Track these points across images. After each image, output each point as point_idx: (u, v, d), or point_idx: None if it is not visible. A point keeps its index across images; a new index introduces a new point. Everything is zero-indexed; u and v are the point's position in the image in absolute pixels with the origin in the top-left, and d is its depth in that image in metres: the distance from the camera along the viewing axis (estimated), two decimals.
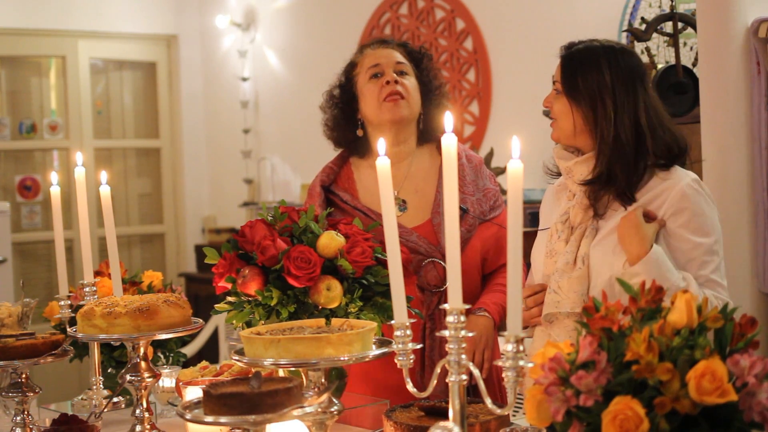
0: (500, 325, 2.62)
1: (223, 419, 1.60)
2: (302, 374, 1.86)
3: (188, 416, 1.67)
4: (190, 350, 5.78)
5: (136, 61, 6.96)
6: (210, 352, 5.87)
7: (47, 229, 6.44)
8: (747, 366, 1.30)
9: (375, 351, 1.81)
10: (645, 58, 3.80)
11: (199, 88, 7.07)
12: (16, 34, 6.40)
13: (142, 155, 7.07)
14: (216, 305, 2.20)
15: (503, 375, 1.45)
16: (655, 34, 3.67)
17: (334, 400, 1.81)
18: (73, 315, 2.30)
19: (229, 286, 2.14)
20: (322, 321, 1.96)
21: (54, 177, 2.43)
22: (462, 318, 1.50)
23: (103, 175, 2.36)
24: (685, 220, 2.21)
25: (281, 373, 1.95)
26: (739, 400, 1.28)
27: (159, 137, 7.04)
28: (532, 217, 2.66)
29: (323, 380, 1.83)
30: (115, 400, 2.47)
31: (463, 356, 1.51)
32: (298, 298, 2.10)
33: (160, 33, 6.94)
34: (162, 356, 2.71)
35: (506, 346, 1.44)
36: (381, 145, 1.61)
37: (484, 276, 2.73)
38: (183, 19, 6.97)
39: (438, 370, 1.57)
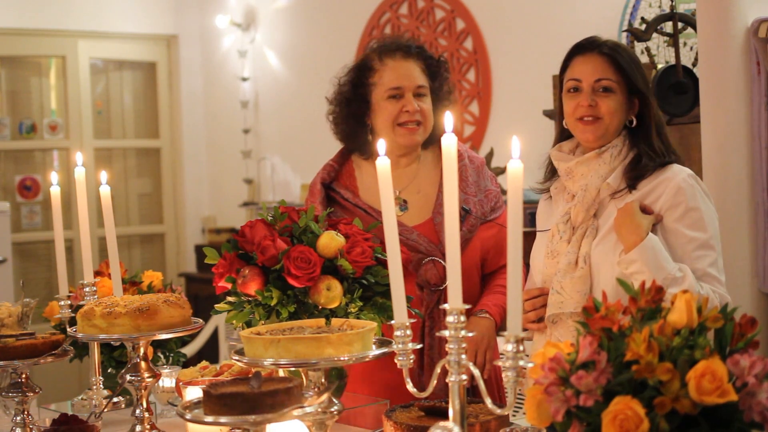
0: (501, 327, 2.62)
1: (223, 419, 1.60)
2: (302, 374, 1.86)
3: (188, 416, 1.68)
4: (190, 350, 5.78)
5: (136, 61, 6.96)
6: (210, 352, 5.87)
7: (47, 229, 6.43)
8: (747, 366, 1.30)
9: (375, 351, 1.81)
10: (645, 58, 3.80)
11: (199, 88, 7.06)
12: (16, 34, 6.40)
13: (142, 155, 7.06)
14: (216, 305, 2.20)
15: (503, 375, 1.45)
16: (655, 34, 3.66)
17: (334, 400, 1.81)
18: (73, 315, 2.30)
19: (229, 286, 2.14)
20: (322, 321, 1.96)
21: (54, 177, 2.43)
22: (462, 318, 1.50)
23: (103, 175, 2.36)
24: (680, 215, 2.23)
25: (281, 373, 1.95)
26: (739, 400, 1.28)
27: (159, 137, 7.03)
28: (532, 218, 2.66)
29: (323, 380, 1.83)
30: (115, 400, 2.47)
31: (463, 356, 1.51)
32: (298, 298, 2.10)
33: (160, 33, 6.93)
34: (162, 356, 2.71)
35: (506, 346, 1.45)
36: (381, 145, 1.61)
37: (483, 276, 2.73)
38: (183, 19, 6.97)
39: (438, 370, 1.57)
